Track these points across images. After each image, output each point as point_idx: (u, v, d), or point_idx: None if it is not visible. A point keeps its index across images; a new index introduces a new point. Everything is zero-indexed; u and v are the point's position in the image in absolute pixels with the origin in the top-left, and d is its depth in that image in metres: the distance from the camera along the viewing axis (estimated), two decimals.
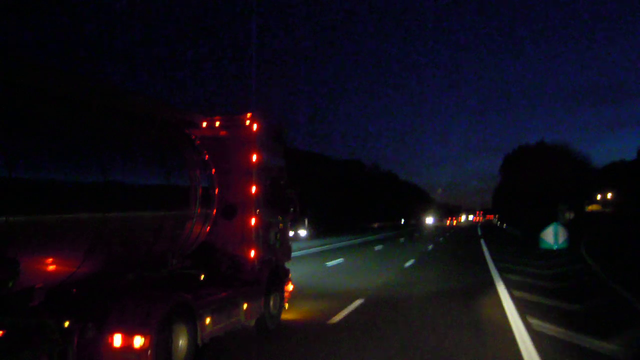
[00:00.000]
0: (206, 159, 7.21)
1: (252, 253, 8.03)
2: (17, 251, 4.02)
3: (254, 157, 8.11)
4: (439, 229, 75.09)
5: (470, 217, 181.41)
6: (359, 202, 72.24)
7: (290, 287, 9.39)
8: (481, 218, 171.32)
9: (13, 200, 3.96)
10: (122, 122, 5.64)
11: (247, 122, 8.25)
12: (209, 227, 7.04)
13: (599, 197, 74.87)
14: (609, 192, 71.13)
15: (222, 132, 8.34)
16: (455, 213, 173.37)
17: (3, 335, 4.20)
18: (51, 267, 4.62)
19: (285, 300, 9.16)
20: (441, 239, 42.10)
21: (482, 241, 36.18)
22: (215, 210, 7.11)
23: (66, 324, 4.47)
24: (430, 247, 31.23)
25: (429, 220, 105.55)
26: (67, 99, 4.83)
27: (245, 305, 7.50)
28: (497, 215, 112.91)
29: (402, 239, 39.80)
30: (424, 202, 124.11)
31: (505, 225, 72.88)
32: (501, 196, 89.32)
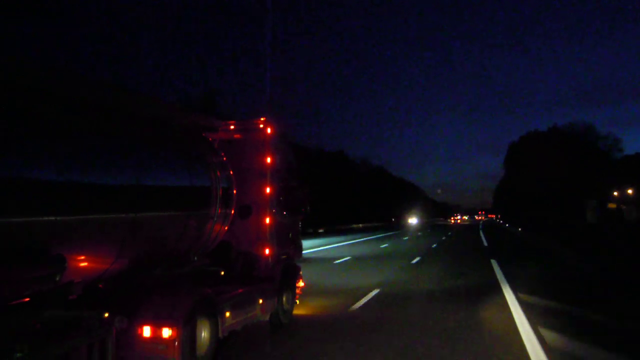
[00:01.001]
0: (224, 160, 7.58)
1: (267, 251, 8.40)
2: (63, 248, 4.40)
3: (268, 160, 8.48)
4: (440, 226, 76.04)
5: (467, 217, 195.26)
6: (341, 198, 65.54)
7: (301, 283, 9.77)
8: (483, 217, 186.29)
9: (61, 202, 4.33)
10: (151, 129, 6.01)
11: (261, 126, 8.62)
12: (227, 227, 7.41)
13: (615, 193, 58.03)
14: (630, 187, 55.41)
15: (236, 136, 8.72)
16: (453, 213, 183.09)
17: (48, 325, 4.58)
18: (89, 264, 4.99)
19: (297, 296, 9.55)
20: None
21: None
22: (233, 210, 7.47)
23: (105, 315, 4.84)
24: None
25: (413, 220, 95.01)
26: (106, 110, 5.21)
27: (260, 301, 7.88)
28: (499, 215, 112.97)
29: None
30: (418, 201, 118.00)
31: (507, 224, 70.48)
32: (505, 192, 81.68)
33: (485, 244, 35.51)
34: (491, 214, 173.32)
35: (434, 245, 32.22)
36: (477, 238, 43.09)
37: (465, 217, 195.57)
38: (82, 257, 4.82)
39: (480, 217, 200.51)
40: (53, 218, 4.25)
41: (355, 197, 73.25)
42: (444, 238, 42.34)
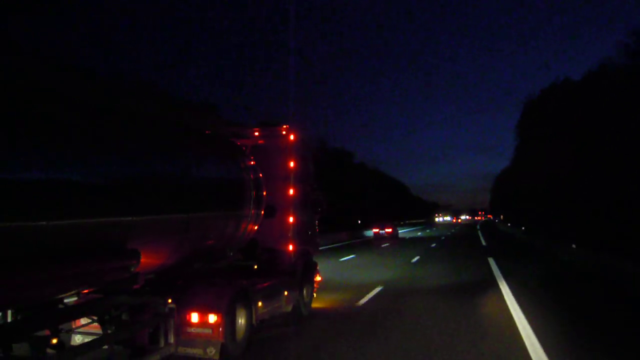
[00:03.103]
0: (254, 164, 8.34)
1: (290, 247, 9.19)
2: (136, 244, 5.17)
3: (291, 164, 9.25)
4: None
5: (465, 217, 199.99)
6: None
7: (318, 278, 10.56)
8: (483, 217, 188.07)
9: (135, 204, 5.10)
10: (198, 139, 6.79)
11: (284, 132, 9.38)
12: (257, 226, 8.17)
13: None
14: None
15: (260, 141, 9.47)
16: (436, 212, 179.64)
17: (122, 310, 5.36)
18: (151, 259, 5.75)
19: (315, 290, 10.34)
20: None
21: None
22: (263, 211, 8.23)
23: (169, 300, 5.61)
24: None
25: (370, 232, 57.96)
26: (167, 126, 5.99)
27: (285, 293, 8.67)
28: (501, 216, 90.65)
29: None
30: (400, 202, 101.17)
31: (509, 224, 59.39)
32: (507, 185, 59.14)
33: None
34: (488, 214, 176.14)
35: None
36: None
37: (447, 218, 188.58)
38: (148, 252, 5.58)
39: (479, 218, 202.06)
40: (130, 218, 5.02)
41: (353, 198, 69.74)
42: None
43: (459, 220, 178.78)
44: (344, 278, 15.16)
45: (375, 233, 45.85)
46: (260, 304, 7.58)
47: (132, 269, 5.14)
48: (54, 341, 4.14)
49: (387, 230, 45.45)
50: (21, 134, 3.93)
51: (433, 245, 34.47)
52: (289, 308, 9.08)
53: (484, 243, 37.18)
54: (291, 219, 9.22)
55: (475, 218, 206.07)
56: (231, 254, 7.68)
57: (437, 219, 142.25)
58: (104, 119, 5.11)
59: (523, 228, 46.75)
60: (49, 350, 4.09)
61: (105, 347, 5.12)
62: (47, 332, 4.53)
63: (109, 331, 5.20)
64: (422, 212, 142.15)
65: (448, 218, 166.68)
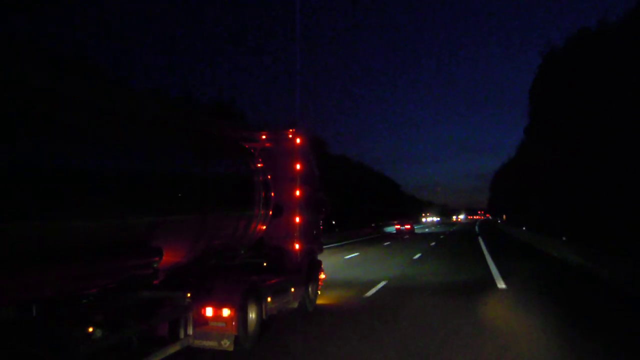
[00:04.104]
0: (263, 167, 8.74)
1: (297, 246, 9.60)
2: (159, 242, 5.58)
3: (297, 166, 9.66)
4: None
5: (462, 217, 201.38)
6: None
7: (322, 275, 10.97)
8: (482, 216, 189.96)
9: (158, 205, 5.51)
10: (212, 144, 7.20)
11: (291, 136, 9.79)
12: (265, 225, 8.58)
13: None
14: None
15: (268, 144, 9.88)
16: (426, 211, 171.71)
17: (143, 303, 5.75)
18: (170, 257, 6.15)
19: (319, 287, 10.75)
20: None
21: None
22: (271, 211, 8.64)
23: (188, 295, 6.02)
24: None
25: (392, 228, 64.05)
26: (183, 128, 6.41)
27: (292, 289, 9.08)
28: (504, 216, 72.84)
29: None
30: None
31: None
32: (518, 175, 45.86)
33: None
34: (487, 213, 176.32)
35: None
36: None
37: (433, 219, 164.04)
38: (168, 250, 5.99)
39: (480, 217, 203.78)
40: (154, 218, 5.43)
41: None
42: None
43: (459, 219, 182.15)
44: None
45: (397, 229, 56.87)
46: (269, 299, 7.98)
47: (155, 265, 5.55)
48: (90, 330, 4.53)
49: (406, 226, 56.26)
50: (68, 141, 4.35)
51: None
52: (296, 304, 9.49)
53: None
54: (297, 219, 9.63)
55: (475, 217, 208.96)
56: (242, 252, 8.09)
57: (424, 219, 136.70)
58: (138, 129, 5.53)
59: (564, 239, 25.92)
60: (85, 338, 4.48)
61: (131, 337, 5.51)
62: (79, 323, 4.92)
63: (133, 323, 5.59)
64: (416, 211, 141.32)
65: (435, 219, 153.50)
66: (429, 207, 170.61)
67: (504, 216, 67.39)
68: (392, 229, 59.47)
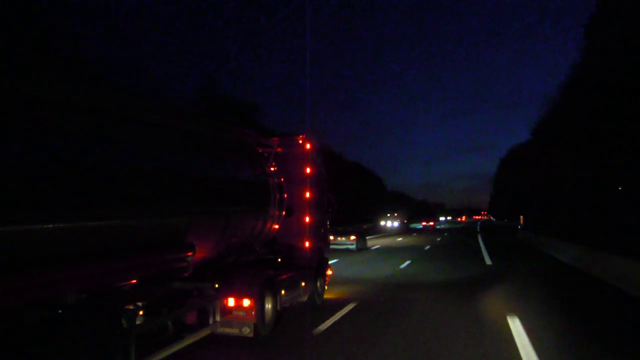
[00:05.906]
0: (277, 170, 9.48)
1: (307, 244, 10.34)
2: (192, 238, 6.32)
3: (307, 170, 10.40)
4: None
5: (451, 218, 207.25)
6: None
7: (329, 272, 11.72)
8: (485, 217, 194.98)
9: (190, 206, 6.26)
10: (234, 150, 7.96)
11: (301, 141, 10.53)
12: (279, 225, 9.32)
13: None
14: None
15: (279, 149, 10.61)
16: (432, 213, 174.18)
17: (176, 293, 6.49)
18: (199, 252, 6.88)
19: (326, 282, 11.50)
20: None
21: None
22: (284, 211, 9.38)
23: (216, 285, 6.76)
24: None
25: (419, 225, 78.47)
26: (209, 136, 7.15)
27: (303, 284, 9.83)
28: (521, 217, 51.34)
29: None
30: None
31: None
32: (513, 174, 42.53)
33: None
34: (485, 214, 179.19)
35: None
36: None
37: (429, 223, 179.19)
38: (198, 247, 6.72)
39: (481, 217, 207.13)
40: (187, 218, 6.17)
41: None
42: None
43: (463, 219, 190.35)
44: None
45: (424, 225, 77.49)
46: (283, 292, 8.72)
47: (189, 260, 6.29)
48: (141, 313, 5.27)
49: (430, 223, 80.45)
50: (102, 147, 5.08)
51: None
52: (305, 298, 10.24)
53: None
54: (307, 219, 10.37)
55: (475, 217, 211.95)
56: (258, 249, 8.84)
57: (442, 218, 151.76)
58: (177, 142, 6.28)
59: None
60: (137, 322, 5.21)
61: (167, 322, 6.25)
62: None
63: (167, 310, 6.34)
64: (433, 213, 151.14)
65: (447, 218, 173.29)
66: (440, 210, 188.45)
67: (521, 218, 51.59)
68: (419, 225, 79.56)
